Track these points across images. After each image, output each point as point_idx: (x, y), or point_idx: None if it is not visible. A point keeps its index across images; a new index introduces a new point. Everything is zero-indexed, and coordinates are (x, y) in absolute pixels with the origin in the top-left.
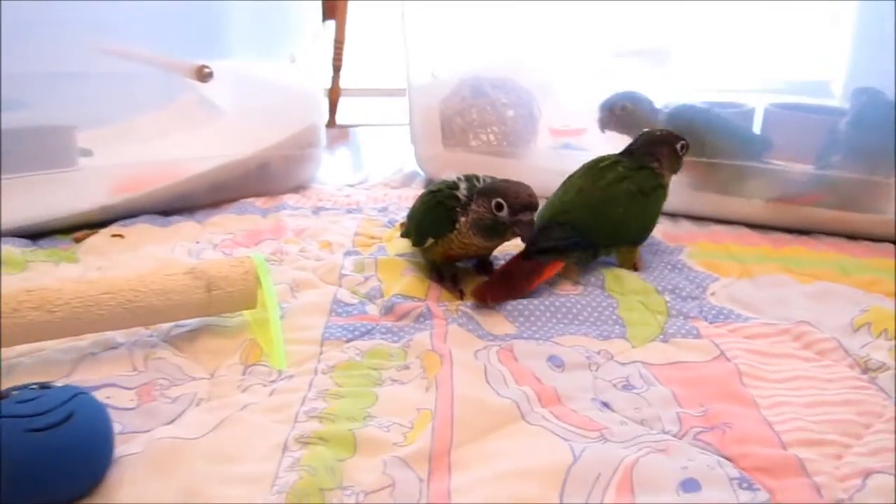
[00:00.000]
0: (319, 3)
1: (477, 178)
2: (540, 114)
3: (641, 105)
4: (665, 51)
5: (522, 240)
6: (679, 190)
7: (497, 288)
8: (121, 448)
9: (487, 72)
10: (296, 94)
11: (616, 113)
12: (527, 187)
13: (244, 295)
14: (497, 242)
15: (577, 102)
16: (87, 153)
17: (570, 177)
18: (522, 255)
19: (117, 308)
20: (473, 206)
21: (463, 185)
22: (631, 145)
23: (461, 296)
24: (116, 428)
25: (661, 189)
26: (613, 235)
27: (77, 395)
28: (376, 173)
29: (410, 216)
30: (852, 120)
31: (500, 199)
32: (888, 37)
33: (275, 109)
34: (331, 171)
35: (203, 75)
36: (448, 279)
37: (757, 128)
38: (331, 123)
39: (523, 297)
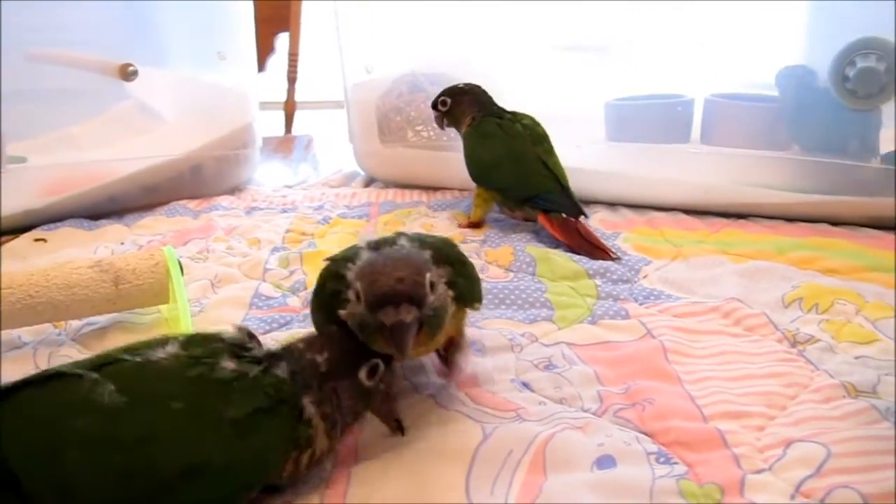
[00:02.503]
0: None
1: (408, 238)
2: None
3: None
4: (607, 45)
5: (396, 351)
6: (618, 177)
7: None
8: None
9: (425, 67)
10: (226, 94)
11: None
12: (405, 266)
13: (154, 288)
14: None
15: (518, 96)
16: (20, 160)
17: (517, 148)
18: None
19: (17, 304)
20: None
21: (362, 254)
22: (482, 105)
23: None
24: None
25: None
26: None
27: None
28: (316, 174)
29: None
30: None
31: (358, 284)
32: (840, 36)
33: (205, 110)
34: (271, 175)
35: (126, 73)
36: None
37: (698, 117)
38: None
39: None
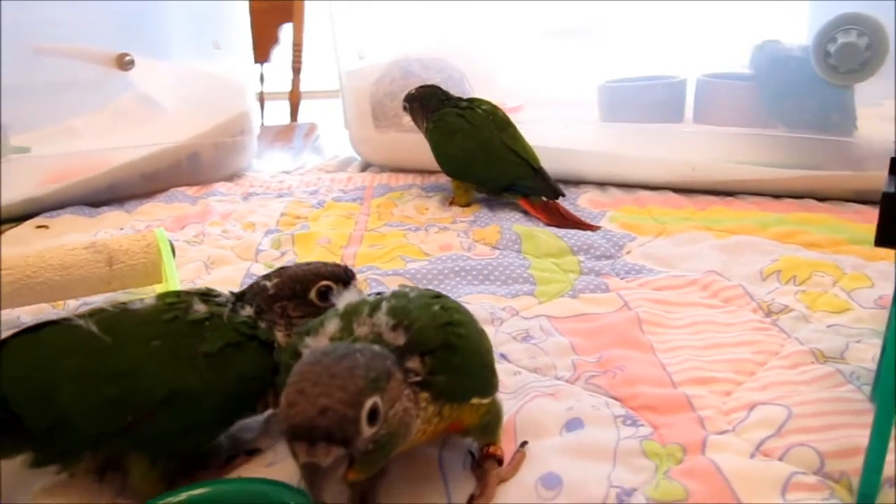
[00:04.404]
0: None
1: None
2: (472, 92)
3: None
4: (600, 27)
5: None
6: (608, 157)
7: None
8: None
9: (417, 53)
10: (223, 82)
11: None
12: (339, 388)
13: (147, 268)
14: None
15: (512, 80)
16: (24, 150)
17: (484, 138)
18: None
19: (15, 284)
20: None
21: (328, 325)
22: (432, 104)
23: None
24: None
25: None
26: None
27: None
28: (313, 160)
29: None
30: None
31: (284, 393)
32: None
33: (202, 99)
34: (272, 163)
35: (123, 63)
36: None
37: (690, 97)
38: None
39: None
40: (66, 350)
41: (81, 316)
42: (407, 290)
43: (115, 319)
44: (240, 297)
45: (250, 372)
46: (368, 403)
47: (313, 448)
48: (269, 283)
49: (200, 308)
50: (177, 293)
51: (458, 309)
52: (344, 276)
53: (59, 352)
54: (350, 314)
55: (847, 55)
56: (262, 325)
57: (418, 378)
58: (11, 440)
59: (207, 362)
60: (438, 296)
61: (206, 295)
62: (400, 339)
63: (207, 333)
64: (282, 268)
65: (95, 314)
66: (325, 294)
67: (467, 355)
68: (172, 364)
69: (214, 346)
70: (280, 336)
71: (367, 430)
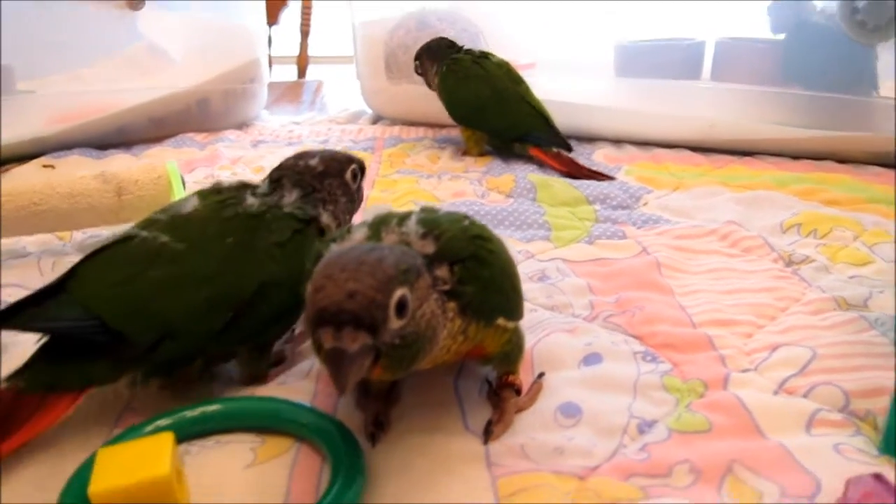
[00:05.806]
0: None
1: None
2: (487, 47)
3: None
4: None
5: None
6: (624, 114)
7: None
8: None
9: (434, 4)
10: (234, 29)
11: None
12: (368, 274)
13: (157, 200)
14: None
15: (528, 37)
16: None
17: (499, 88)
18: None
19: (21, 211)
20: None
21: (356, 233)
22: (443, 53)
23: (372, 434)
24: None
25: None
26: None
27: None
28: (323, 112)
29: None
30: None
31: (308, 287)
32: None
33: (213, 45)
34: (279, 114)
35: (134, 3)
36: (371, 404)
37: (708, 60)
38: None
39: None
40: (146, 262)
41: (140, 228)
42: (436, 207)
43: (175, 225)
44: (276, 183)
45: (312, 254)
46: (398, 293)
47: (339, 333)
48: (313, 162)
49: (253, 201)
50: (216, 190)
51: (488, 229)
52: (362, 165)
53: (141, 264)
54: (378, 224)
55: (876, 10)
56: (309, 208)
57: (446, 286)
58: (112, 363)
59: (281, 251)
60: (467, 217)
61: (246, 187)
62: (429, 247)
63: (273, 224)
64: (303, 152)
65: (148, 225)
66: (355, 176)
67: (496, 270)
68: (253, 257)
69: (284, 236)
70: (326, 217)
71: (395, 322)
